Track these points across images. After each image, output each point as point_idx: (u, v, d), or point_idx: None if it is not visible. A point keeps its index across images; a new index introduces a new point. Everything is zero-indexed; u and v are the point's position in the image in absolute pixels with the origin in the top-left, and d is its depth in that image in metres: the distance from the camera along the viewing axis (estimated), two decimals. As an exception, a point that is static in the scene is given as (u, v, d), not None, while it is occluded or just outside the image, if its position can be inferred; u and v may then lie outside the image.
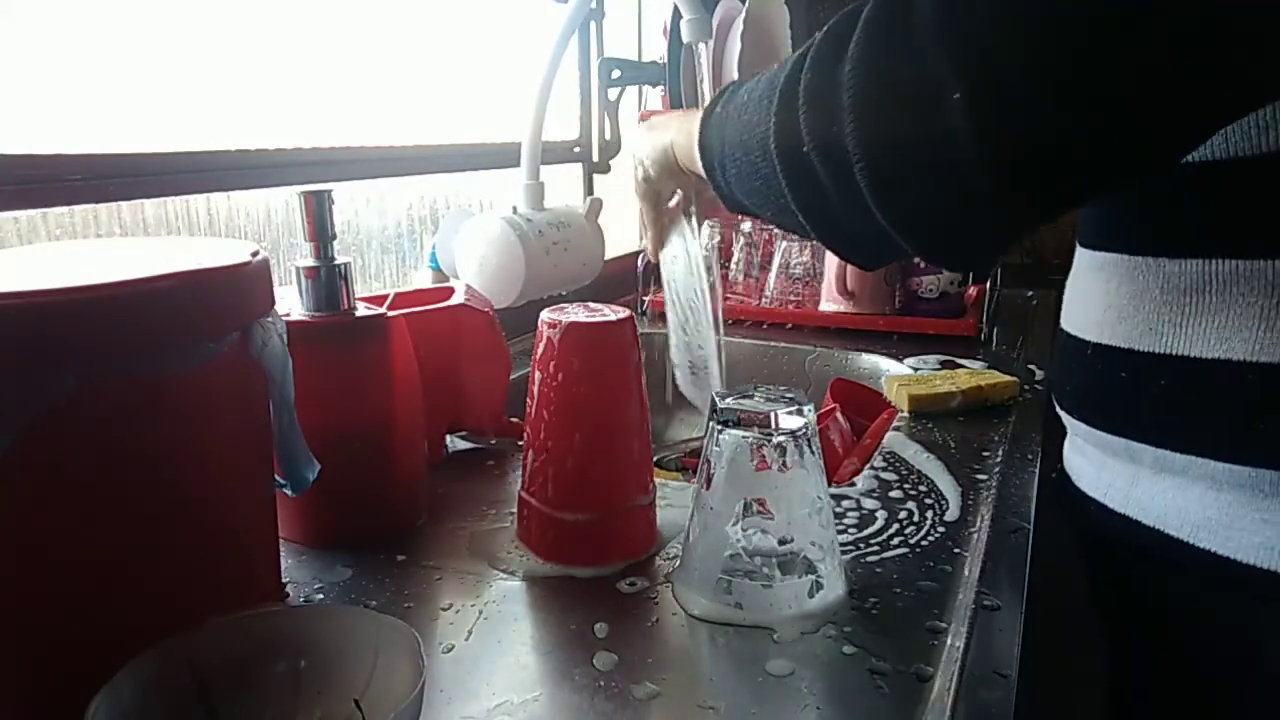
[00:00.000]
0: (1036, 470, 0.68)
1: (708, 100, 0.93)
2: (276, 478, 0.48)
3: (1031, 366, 0.97)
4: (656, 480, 0.59)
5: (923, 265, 1.14)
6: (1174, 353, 0.49)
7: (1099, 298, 0.54)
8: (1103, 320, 0.54)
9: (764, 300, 1.23)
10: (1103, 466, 0.57)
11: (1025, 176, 0.35)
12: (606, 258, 1.02)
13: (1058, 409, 0.61)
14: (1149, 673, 0.61)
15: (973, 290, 1.22)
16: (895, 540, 0.57)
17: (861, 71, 0.35)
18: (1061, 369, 0.60)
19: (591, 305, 0.56)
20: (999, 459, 0.71)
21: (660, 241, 0.72)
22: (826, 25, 0.39)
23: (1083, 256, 0.57)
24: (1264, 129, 0.43)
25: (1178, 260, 0.48)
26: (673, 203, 0.72)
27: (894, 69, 0.35)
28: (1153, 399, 0.51)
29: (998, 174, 0.34)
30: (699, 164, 0.56)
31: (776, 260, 1.24)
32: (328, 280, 0.56)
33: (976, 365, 0.96)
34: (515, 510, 0.59)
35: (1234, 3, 0.30)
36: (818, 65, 0.39)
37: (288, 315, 0.55)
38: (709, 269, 0.71)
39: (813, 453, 0.49)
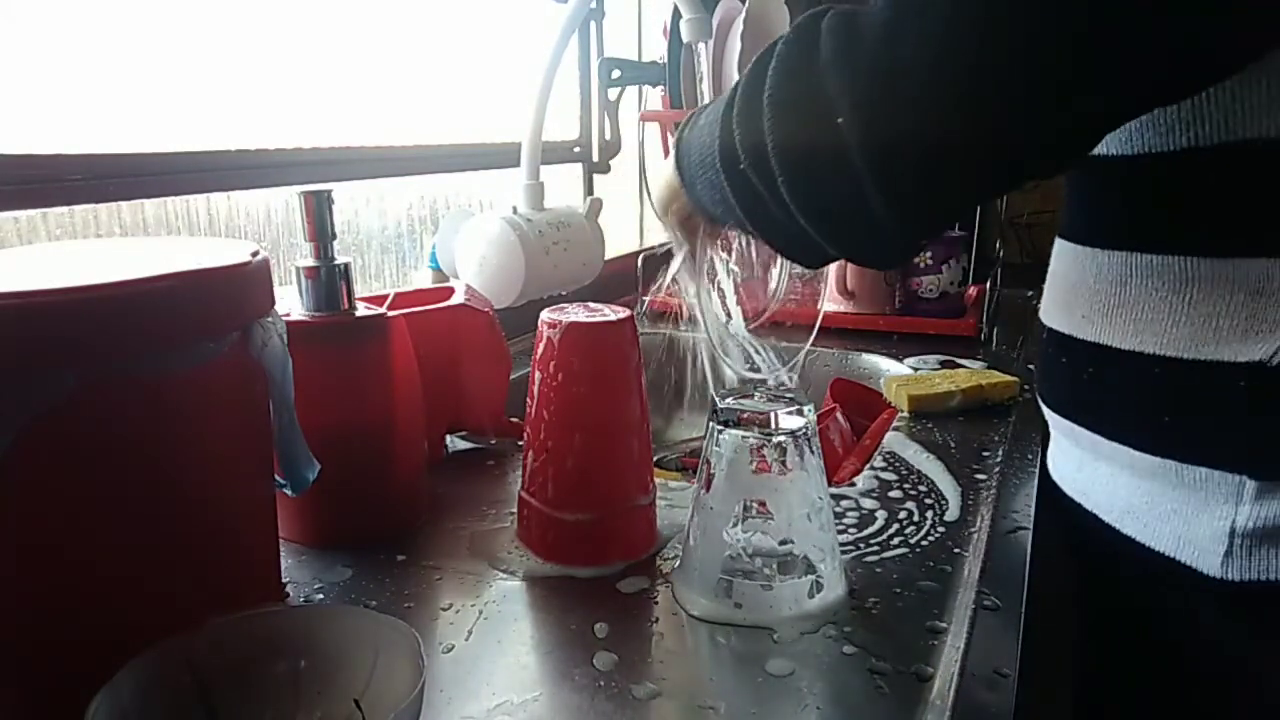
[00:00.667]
0: (1036, 470, 0.68)
1: (707, 100, 0.94)
2: (276, 478, 0.48)
3: (1031, 366, 0.97)
4: (656, 480, 0.59)
5: (923, 265, 1.14)
6: (1101, 342, 0.50)
7: (1055, 284, 0.56)
8: (1054, 306, 0.56)
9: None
10: (1060, 450, 0.60)
11: (909, 196, 0.39)
12: (606, 258, 1.02)
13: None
14: (1113, 663, 0.62)
15: (973, 290, 1.22)
16: (895, 540, 0.57)
17: (775, 98, 0.40)
18: (1038, 355, 0.62)
19: (591, 305, 0.56)
20: (999, 459, 0.71)
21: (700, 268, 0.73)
22: (759, 53, 0.43)
23: (1056, 245, 0.59)
24: (1173, 126, 0.44)
25: (1106, 251, 0.50)
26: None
27: (799, 96, 0.39)
28: (1083, 385, 0.53)
29: (887, 192, 0.38)
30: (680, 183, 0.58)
31: (777, 260, 1.23)
32: (328, 280, 0.56)
33: (976, 365, 0.96)
34: (515, 510, 0.59)
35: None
36: (746, 91, 0.43)
37: (288, 315, 0.55)
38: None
39: (813, 453, 0.49)
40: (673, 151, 0.57)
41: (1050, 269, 0.58)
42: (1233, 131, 0.42)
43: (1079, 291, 0.52)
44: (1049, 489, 0.63)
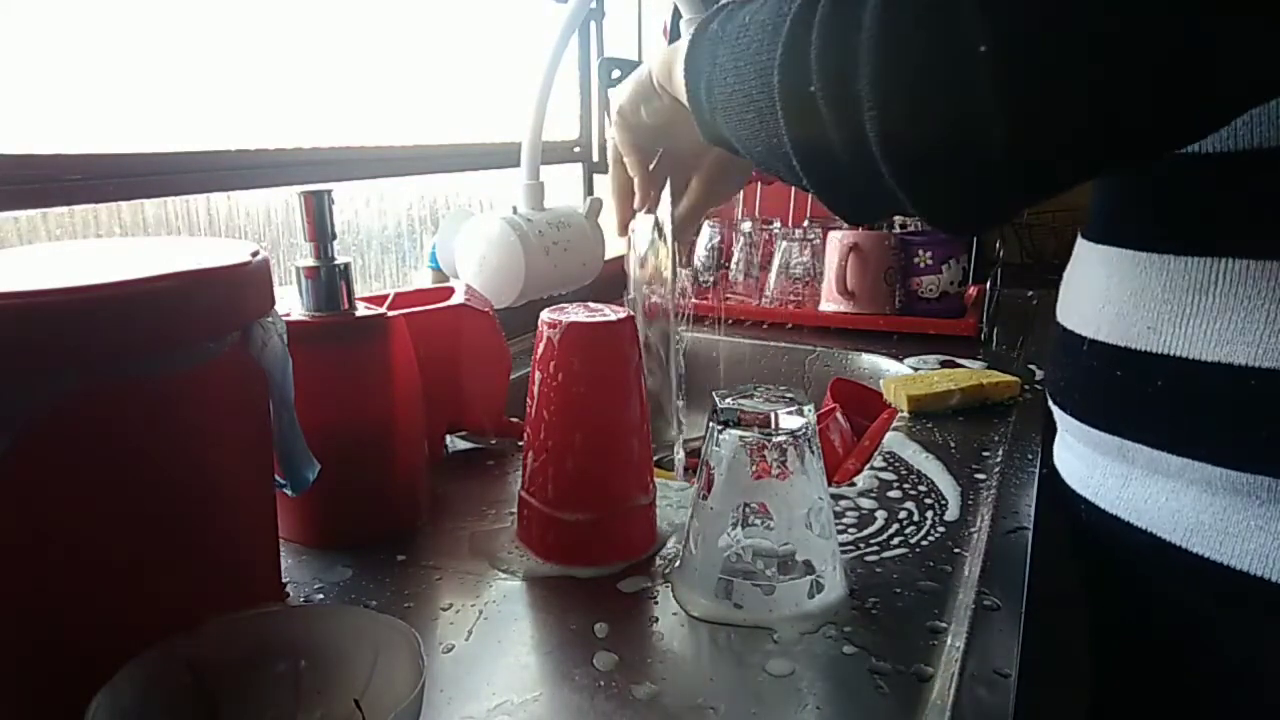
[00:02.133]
0: (1036, 470, 0.68)
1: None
2: (276, 478, 0.48)
3: (1031, 366, 0.97)
4: (656, 480, 0.59)
5: (923, 265, 1.14)
6: (1173, 353, 0.48)
7: (1098, 293, 0.53)
8: (1100, 316, 0.53)
9: (764, 300, 1.23)
10: (1094, 465, 0.56)
11: (1043, 142, 0.33)
12: (606, 258, 1.02)
13: (1050, 403, 0.60)
14: (1137, 676, 0.60)
15: (973, 290, 1.22)
16: (895, 540, 0.57)
17: (887, 16, 0.33)
18: (1056, 364, 0.59)
19: (591, 305, 0.56)
20: (999, 459, 0.71)
21: (644, 201, 0.66)
22: None
23: (1084, 249, 0.56)
24: (1267, 126, 0.42)
25: (1183, 258, 0.47)
26: (652, 166, 0.66)
27: (922, 19, 0.32)
28: (1149, 399, 0.50)
29: (1015, 137, 0.32)
30: (679, 81, 0.51)
31: (777, 260, 1.24)
32: (328, 280, 0.56)
33: (976, 365, 0.96)
34: (515, 510, 0.59)
35: None
36: (830, 26, 0.35)
37: (288, 315, 0.55)
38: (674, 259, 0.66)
39: (813, 453, 0.49)
40: (678, 74, 0.50)
41: (1081, 277, 0.56)
42: None
43: (1141, 301, 0.49)
44: (1056, 491, 0.62)
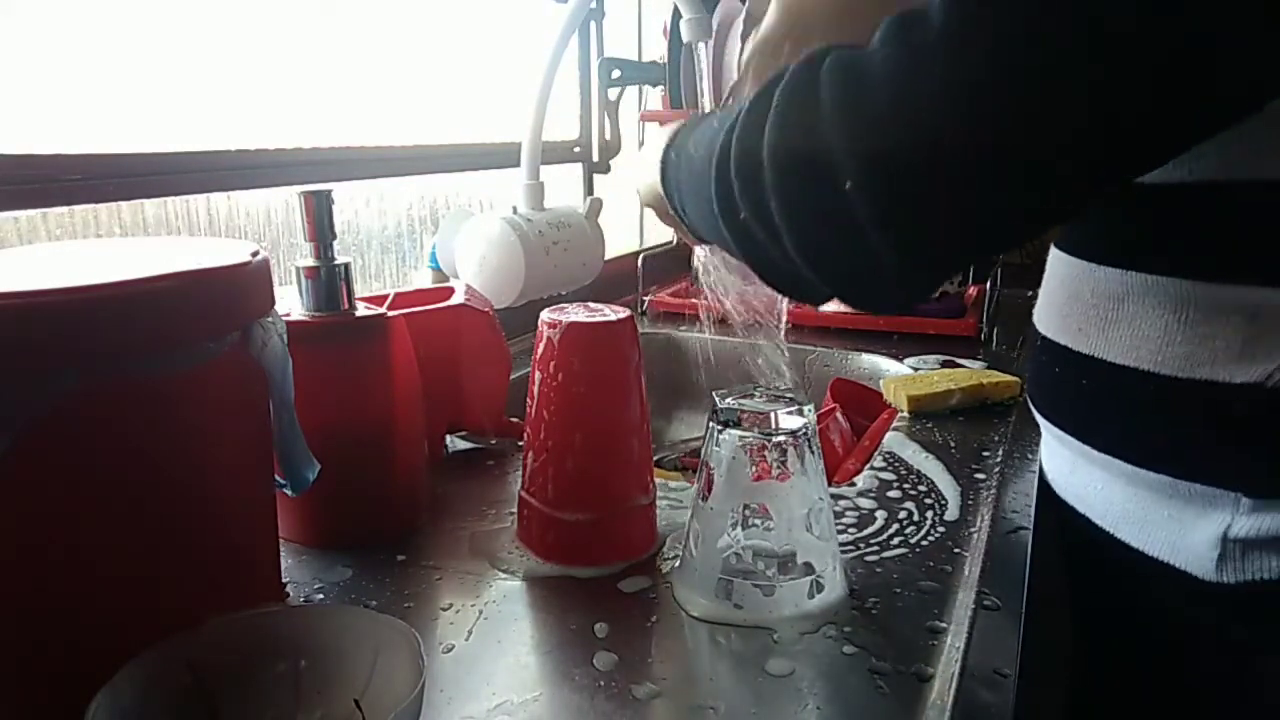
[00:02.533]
0: (1036, 470, 0.68)
1: (708, 100, 0.94)
2: (276, 478, 0.48)
3: (1031, 366, 0.97)
4: (656, 480, 0.59)
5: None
6: (1095, 355, 0.50)
7: (1049, 293, 0.57)
8: (1049, 315, 0.56)
9: (764, 300, 1.23)
10: (1052, 452, 0.60)
11: (924, 254, 0.38)
12: (606, 258, 1.02)
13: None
14: (1106, 660, 0.63)
15: (973, 290, 1.22)
16: (895, 540, 0.57)
17: (778, 150, 0.39)
18: (1030, 358, 0.63)
19: (591, 305, 0.56)
20: (999, 459, 0.71)
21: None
22: (762, 84, 0.42)
23: (1050, 253, 0.59)
24: (1179, 162, 0.44)
25: (1103, 267, 0.50)
26: None
27: (801, 151, 0.38)
28: (1079, 395, 0.53)
29: (900, 254, 0.38)
30: (669, 207, 0.58)
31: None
32: (328, 280, 0.56)
33: (976, 365, 0.96)
34: (515, 510, 0.59)
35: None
36: (745, 136, 0.41)
37: (288, 315, 0.55)
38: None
39: (813, 453, 0.49)
40: (657, 171, 0.57)
41: (1045, 276, 0.59)
42: (1234, 171, 0.42)
43: (1075, 304, 0.52)
44: (1045, 488, 0.64)
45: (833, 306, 1.16)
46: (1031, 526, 0.59)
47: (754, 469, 0.48)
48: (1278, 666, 0.48)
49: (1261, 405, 0.43)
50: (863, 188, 0.36)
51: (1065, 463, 0.58)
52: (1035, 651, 0.51)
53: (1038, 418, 0.59)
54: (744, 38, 1.05)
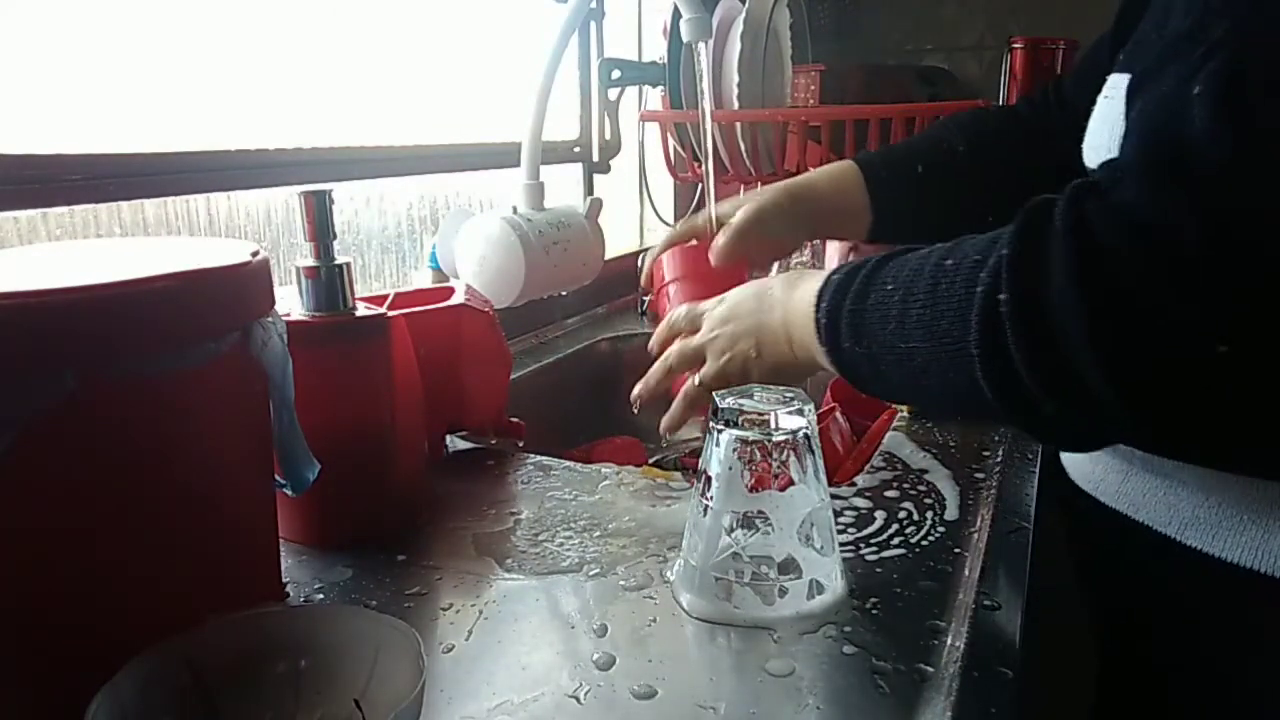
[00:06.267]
0: (1036, 470, 0.68)
1: (707, 100, 0.93)
2: (276, 478, 0.48)
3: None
4: (657, 480, 0.59)
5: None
6: None
7: None
8: None
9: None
10: (1096, 460, 0.59)
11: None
12: (606, 258, 1.02)
13: None
14: (1137, 664, 0.62)
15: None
16: (895, 540, 0.57)
17: (1021, 349, 0.40)
18: None
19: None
20: (999, 459, 0.71)
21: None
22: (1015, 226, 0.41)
23: None
24: None
25: None
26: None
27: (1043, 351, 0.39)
28: None
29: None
30: (818, 358, 0.56)
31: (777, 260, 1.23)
32: (328, 280, 0.56)
33: (976, 365, 0.96)
34: (516, 510, 0.59)
35: None
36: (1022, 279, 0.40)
37: (288, 315, 0.55)
38: None
39: (813, 453, 0.49)
40: (813, 324, 0.54)
41: None
42: None
43: None
44: (1059, 486, 0.63)
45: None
46: (1031, 526, 0.59)
47: (754, 469, 0.48)
48: None
49: None
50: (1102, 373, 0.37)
51: (1114, 471, 0.57)
52: (1035, 651, 0.51)
53: None
54: (744, 38, 1.04)
